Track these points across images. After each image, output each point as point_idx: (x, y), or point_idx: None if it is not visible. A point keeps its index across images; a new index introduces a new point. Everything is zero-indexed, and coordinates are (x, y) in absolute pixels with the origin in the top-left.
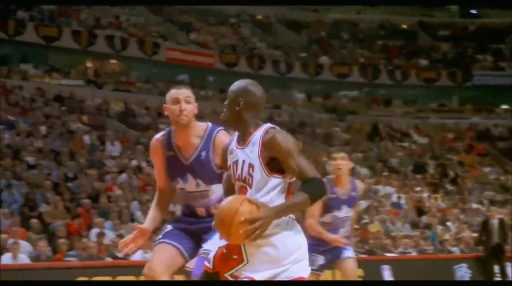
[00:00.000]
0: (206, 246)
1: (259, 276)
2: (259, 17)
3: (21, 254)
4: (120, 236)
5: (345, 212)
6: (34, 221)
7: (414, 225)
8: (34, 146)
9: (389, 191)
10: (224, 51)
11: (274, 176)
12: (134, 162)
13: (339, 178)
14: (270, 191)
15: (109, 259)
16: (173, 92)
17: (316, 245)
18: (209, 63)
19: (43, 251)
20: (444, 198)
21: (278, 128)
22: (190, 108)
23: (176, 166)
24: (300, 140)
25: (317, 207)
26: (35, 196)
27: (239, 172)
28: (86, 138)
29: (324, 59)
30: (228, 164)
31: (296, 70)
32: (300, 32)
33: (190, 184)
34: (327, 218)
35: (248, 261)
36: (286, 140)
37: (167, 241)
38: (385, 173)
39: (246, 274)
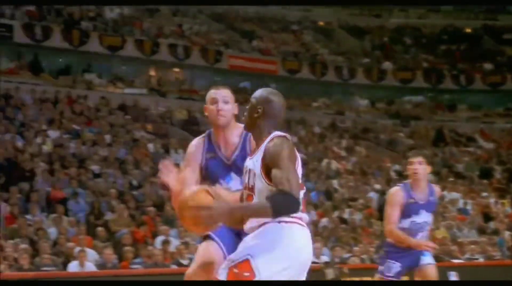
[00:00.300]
0: (233, 255)
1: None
2: (321, 23)
3: (88, 262)
4: (185, 244)
5: (423, 217)
6: (100, 229)
7: (481, 231)
8: (99, 155)
9: (455, 197)
10: (286, 58)
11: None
12: None
13: (416, 183)
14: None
15: (174, 267)
16: (211, 92)
17: (393, 252)
18: (271, 70)
19: (109, 259)
20: (511, 203)
21: (285, 137)
22: (228, 108)
23: (218, 167)
24: (364, 147)
25: (395, 212)
26: (100, 204)
27: (246, 180)
28: (151, 146)
29: (387, 65)
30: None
31: (359, 76)
32: (363, 37)
33: (235, 183)
34: (406, 223)
35: (260, 274)
36: (279, 148)
37: (212, 236)
38: (451, 179)
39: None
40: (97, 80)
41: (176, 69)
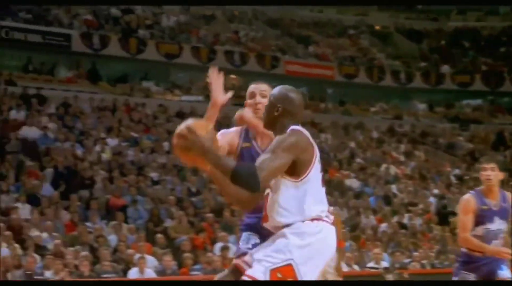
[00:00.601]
0: (269, 252)
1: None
2: (378, 27)
3: (148, 269)
4: None
5: (497, 224)
6: (159, 236)
7: None
8: (157, 162)
9: None
10: (343, 62)
11: (286, 178)
12: None
13: (489, 189)
14: (283, 193)
15: None
16: (250, 87)
17: (468, 262)
18: (328, 76)
19: (169, 266)
20: None
21: (299, 130)
22: (265, 102)
23: (251, 158)
24: (423, 151)
25: (469, 220)
26: (159, 211)
27: None
28: None
29: (445, 68)
30: None
31: (417, 80)
32: (420, 41)
33: None
34: (479, 231)
35: (302, 279)
36: (282, 137)
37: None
38: None
39: None
40: (154, 87)
41: (233, 76)
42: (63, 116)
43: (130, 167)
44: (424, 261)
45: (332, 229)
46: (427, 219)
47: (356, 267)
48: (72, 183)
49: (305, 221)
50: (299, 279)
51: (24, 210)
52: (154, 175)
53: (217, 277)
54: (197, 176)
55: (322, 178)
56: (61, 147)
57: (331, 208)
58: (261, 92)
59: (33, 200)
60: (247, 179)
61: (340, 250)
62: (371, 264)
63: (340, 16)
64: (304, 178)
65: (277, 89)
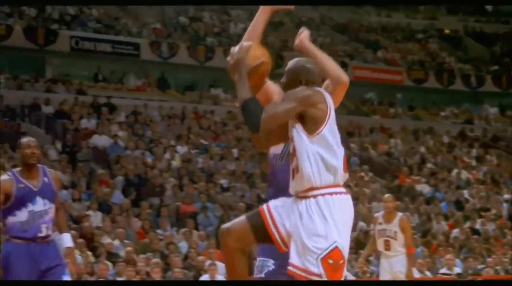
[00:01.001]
0: (309, 242)
1: None
2: (447, 31)
3: (219, 275)
4: None
5: None
6: None
7: None
8: (227, 169)
9: None
10: (412, 67)
11: (300, 129)
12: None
13: None
14: (300, 150)
15: None
16: None
17: None
18: (397, 80)
19: None
20: None
21: (317, 89)
22: None
23: None
24: (494, 155)
25: None
26: (230, 218)
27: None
28: None
29: None
30: None
31: (488, 84)
32: (491, 44)
33: None
34: None
35: (346, 256)
36: (295, 91)
37: None
38: None
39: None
40: (223, 95)
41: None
42: (133, 124)
43: (200, 174)
44: (497, 267)
45: (349, 197)
46: (500, 224)
47: (428, 273)
48: (142, 190)
49: (334, 193)
50: (345, 256)
51: (95, 218)
52: (224, 182)
53: (227, 225)
54: (267, 182)
55: (339, 142)
56: (131, 155)
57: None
58: None
59: (105, 207)
60: (249, 114)
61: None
62: (443, 270)
63: (409, 21)
64: (317, 134)
65: (293, 64)
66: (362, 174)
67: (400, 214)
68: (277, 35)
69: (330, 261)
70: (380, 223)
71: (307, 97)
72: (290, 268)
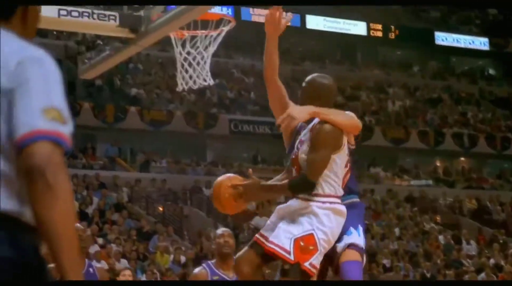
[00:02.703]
0: (291, 228)
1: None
2: None
3: None
4: None
5: None
6: None
7: None
8: (389, 248)
9: None
10: None
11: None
12: (492, 261)
13: None
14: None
15: None
16: None
17: None
18: None
19: None
20: None
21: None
22: None
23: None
24: None
25: None
26: None
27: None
28: (441, 238)
29: None
30: None
31: None
32: None
33: None
34: None
35: (321, 248)
36: (322, 134)
37: None
38: None
39: (320, 258)
40: (382, 173)
41: (462, 158)
42: None
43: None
44: None
45: (344, 209)
46: None
47: None
48: None
49: (332, 202)
50: (319, 247)
51: None
52: (386, 261)
53: (237, 255)
54: (431, 262)
55: (349, 166)
56: None
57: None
58: None
59: None
60: (304, 188)
61: None
62: None
63: None
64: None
65: (313, 80)
66: None
67: None
68: (435, 111)
69: (302, 244)
70: None
71: (336, 141)
72: (268, 244)
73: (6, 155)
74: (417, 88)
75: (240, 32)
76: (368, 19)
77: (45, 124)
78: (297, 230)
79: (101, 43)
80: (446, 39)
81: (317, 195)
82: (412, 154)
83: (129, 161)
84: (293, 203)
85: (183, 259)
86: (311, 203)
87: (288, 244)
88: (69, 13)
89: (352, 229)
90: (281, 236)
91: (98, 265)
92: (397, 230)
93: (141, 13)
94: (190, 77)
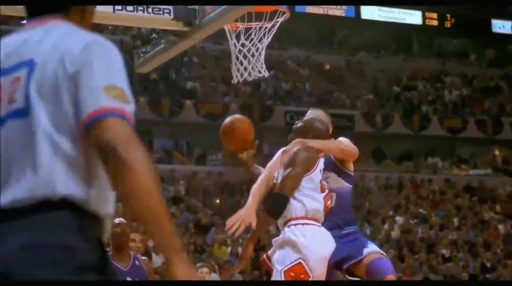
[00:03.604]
0: (280, 258)
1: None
2: None
3: None
4: None
5: None
6: None
7: None
8: (448, 239)
9: None
10: None
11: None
12: None
13: None
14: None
15: None
16: None
17: None
18: None
19: None
20: None
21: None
22: None
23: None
24: None
25: None
26: None
27: None
28: (501, 227)
29: None
30: None
31: None
32: None
33: None
34: None
35: (313, 275)
36: (293, 155)
37: None
38: None
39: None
40: (440, 163)
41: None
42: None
43: (420, 245)
44: None
45: (323, 230)
46: None
47: None
48: None
49: (305, 224)
50: (310, 274)
51: None
52: (445, 252)
53: None
54: (491, 251)
55: (321, 185)
56: None
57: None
58: None
59: None
60: (282, 208)
61: None
62: None
63: None
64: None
65: (308, 119)
66: None
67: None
68: (493, 100)
69: (292, 274)
70: None
71: (308, 162)
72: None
73: (74, 138)
74: (474, 77)
75: (295, 24)
76: (423, 8)
77: (109, 102)
78: (284, 262)
79: (156, 36)
80: (503, 26)
81: (290, 219)
82: (470, 143)
83: (186, 155)
84: (280, 235)
85: (240, 251)
86: (287, 229)
87: (279, 277)
88: (124, 7)
89: (368, 244)
90: (275, 273)
91: (143, 257)
92: (456, 220)
93: (195, 6)
94: (245, 69)
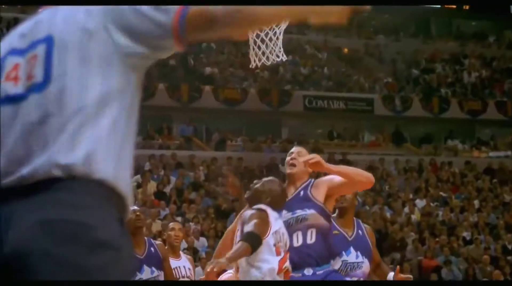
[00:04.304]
0: None
1: None
2: None
3: None
4: None
5: None
6: None
7: None
8: (469, 221)
9: None
10: None
11: None
12: None
13: None
14: None
15: None
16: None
17: None
18: None
19: None
20: None
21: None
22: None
23: None
24: None
25: None
26: (474, 271)
27: None
28: None
29: None
30: None
31: None
32: None
33: None
34: None
35: None
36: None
37: None
38: None
39: None
40: (460, 145)
41: None
42: None
43: (441, 228)
44: None
45: None
46: None
47: None
48: (383, 245)
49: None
50: None
51: None
52: (466, 234)
53: None
54: (509, 233)
55: (277, 248)
56: (369, 211)
57: None
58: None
59: None
60: (259, 242)
61: None
62: None
63: None
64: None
65: (263, 185)
66: None
67: None
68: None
69: None
70: None
71: (261, 226)
72: None
73: (103, 105)
74: (493, 59)
75: None
76: None
77: (171, 9)
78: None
79: None
80: None
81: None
82: (490, 125)
83: (205, 140)
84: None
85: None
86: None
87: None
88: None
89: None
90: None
91: (157, 242)
92: (476, 202)
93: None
94: (263, 53)
